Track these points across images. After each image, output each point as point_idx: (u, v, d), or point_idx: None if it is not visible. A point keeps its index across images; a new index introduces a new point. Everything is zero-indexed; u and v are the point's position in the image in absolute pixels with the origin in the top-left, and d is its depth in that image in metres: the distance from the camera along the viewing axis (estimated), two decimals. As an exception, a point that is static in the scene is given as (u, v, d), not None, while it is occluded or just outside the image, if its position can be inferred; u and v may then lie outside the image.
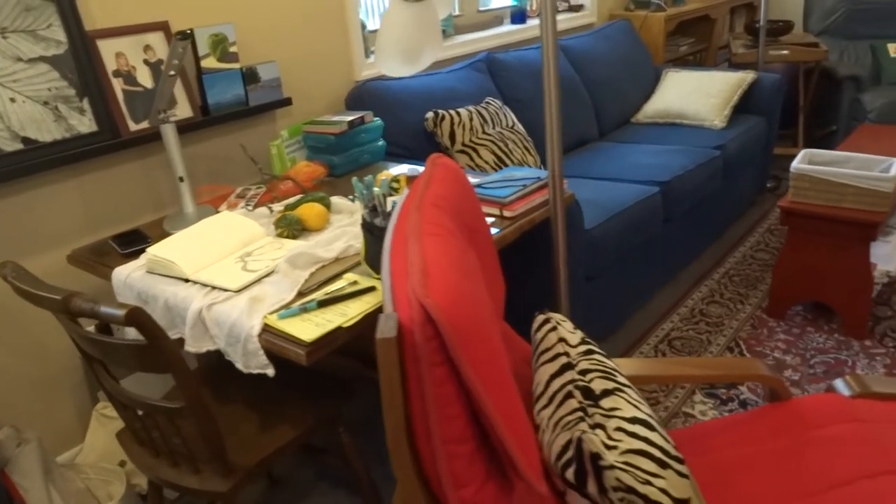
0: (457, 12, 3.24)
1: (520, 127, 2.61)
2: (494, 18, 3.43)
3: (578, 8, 3.84)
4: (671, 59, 4.16)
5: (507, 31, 3.33)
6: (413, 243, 0.80)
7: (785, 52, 3.73)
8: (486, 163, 2.40)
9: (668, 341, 2.41)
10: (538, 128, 2.87)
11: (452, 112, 2.42)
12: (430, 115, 2.40)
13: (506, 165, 2.44)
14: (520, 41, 3.36)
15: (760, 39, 3.63)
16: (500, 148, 2.44)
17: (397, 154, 2.37)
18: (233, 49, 2.00)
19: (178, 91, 1.95)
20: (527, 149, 2.55)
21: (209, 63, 1.96)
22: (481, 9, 3.37)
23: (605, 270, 2.29)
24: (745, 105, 3.37)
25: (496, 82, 2.84)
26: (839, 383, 1.51)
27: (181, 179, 1.76)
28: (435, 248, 0.80)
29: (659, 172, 2.62)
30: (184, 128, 1.95)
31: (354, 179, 1.29)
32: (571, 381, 1.04)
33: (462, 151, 2.38)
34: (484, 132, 2.44)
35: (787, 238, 2.39)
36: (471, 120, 2.43)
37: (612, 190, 2.47)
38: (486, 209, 1.59)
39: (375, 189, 1.24)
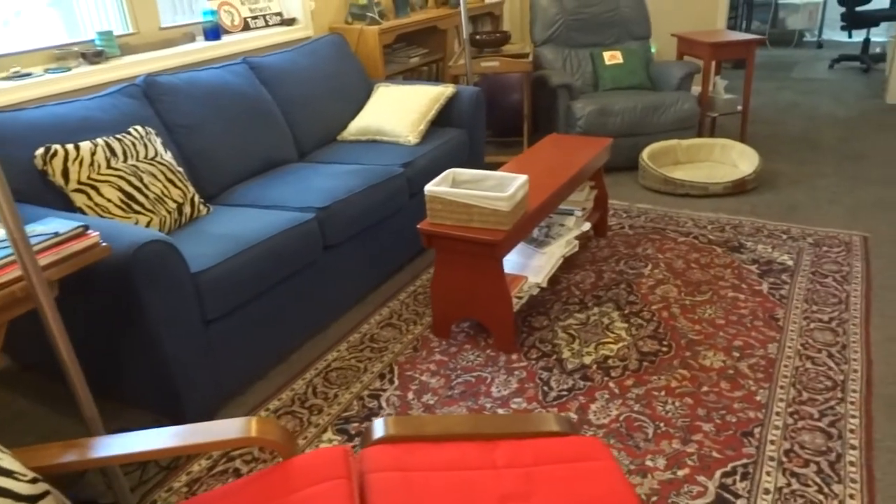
0: (130, 30, 3.01)
1: (167, 157, 2.43)
2: (184, 36, 3.23)
3: (291, 22, 3.73)
4: (400, 70, 4.16)
5: (196, 49, 3.14)
6: None
7: (495, 63, 3.83)
8: (110, 201, 2.20)
9: (326, 373, 2.34)
10: (207, 154, 2.71)
11: (70, 146, 2.20)
12: (39, 151, 2.17)
13: (137, 202, 2.25)
14: (210, 59, 3.19)
15: (466, 52, 3.70)
16: (130, 183, 2.25)
17: None
18: None
19: None
20: (171, 181, 2.38)
21: None
22: (164, 25, 3.16)
23: (241, 308, 2.17)
24: (446, 119, 3.41)
25: (156, 108, 2.65)
26: (378, 424, 1.48)
27: None
28: None
29: (321, 197, 2.54)
30: None
31: None
32: None
33: (79, 190, 2.17)
34: (109, 167, 2.24)
35: (435, 258, 2.39)
36: (93, 154, 2.22)
37: (262, 219, 2.36)
38: (-30, 276, 1.40)
39: None
